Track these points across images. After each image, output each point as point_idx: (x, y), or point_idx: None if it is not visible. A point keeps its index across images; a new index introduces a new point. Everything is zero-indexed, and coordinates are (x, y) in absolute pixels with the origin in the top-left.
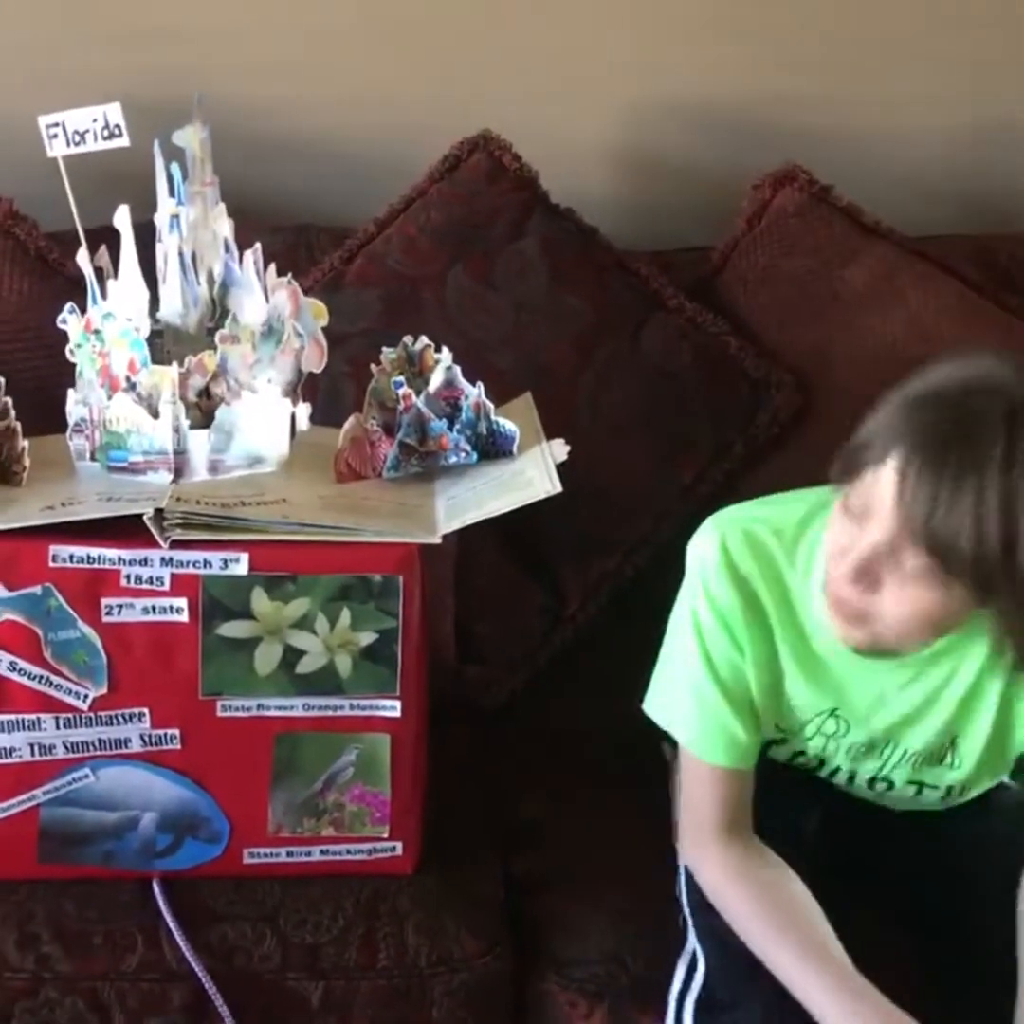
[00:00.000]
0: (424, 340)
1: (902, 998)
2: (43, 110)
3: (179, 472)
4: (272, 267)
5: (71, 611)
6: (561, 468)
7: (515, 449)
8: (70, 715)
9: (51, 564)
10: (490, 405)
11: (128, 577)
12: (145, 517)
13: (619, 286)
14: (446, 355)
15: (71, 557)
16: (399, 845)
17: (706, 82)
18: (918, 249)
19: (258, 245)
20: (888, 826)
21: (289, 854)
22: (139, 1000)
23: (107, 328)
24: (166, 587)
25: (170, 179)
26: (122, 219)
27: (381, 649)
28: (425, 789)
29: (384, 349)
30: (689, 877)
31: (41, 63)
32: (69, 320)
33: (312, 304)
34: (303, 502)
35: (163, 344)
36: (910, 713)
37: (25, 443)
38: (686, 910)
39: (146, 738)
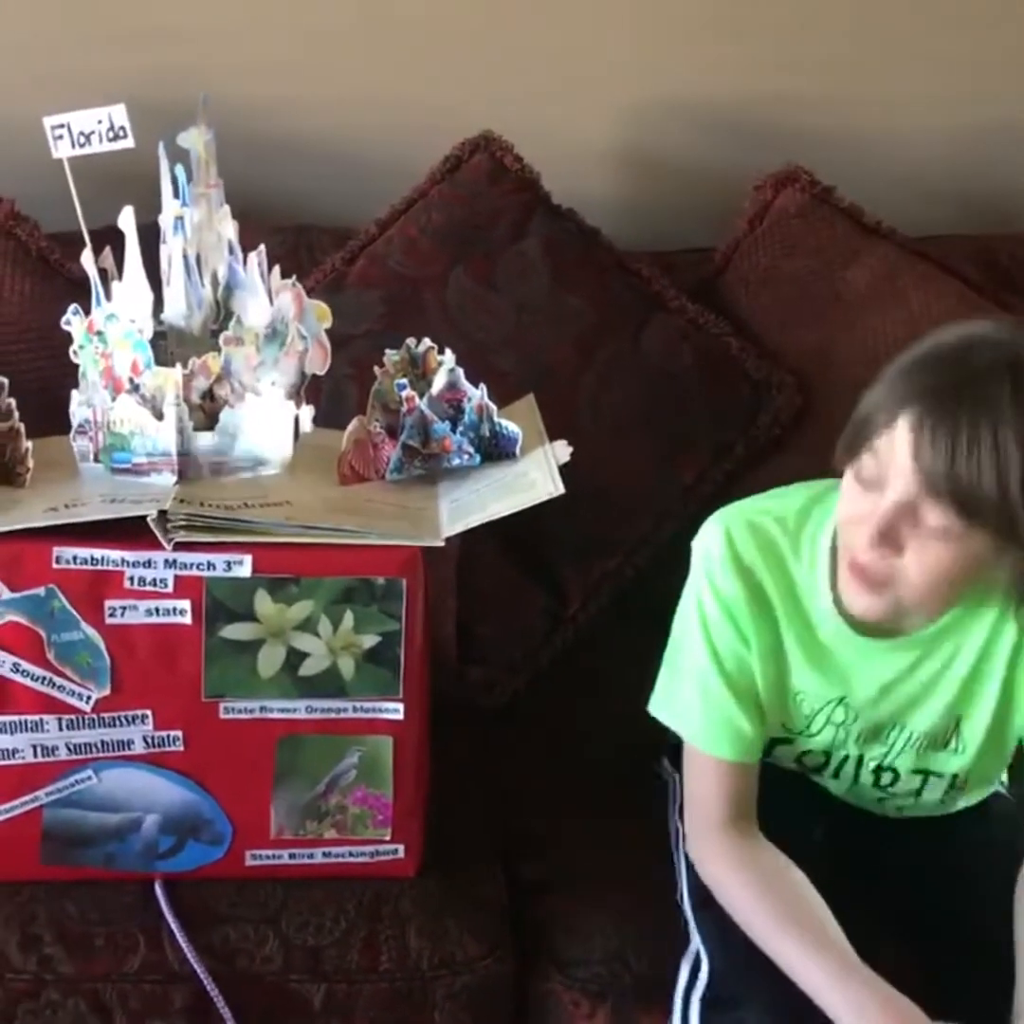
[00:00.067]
0: (427, 342)
1: None
2: (45, 111)
3: (183, 474)
4: (276, 269)
5: (74, 612)
6: (562, 469)
7: (518, 451)
8: (73, 717)
9: (54, 565)
10: (493, 407)
11: (131, 579)
12: (149, 519)
13: (620, 287)
14: (449, 357)
15: (74, 559)
16: (401, 848)
17: (707, 82)
18: (919, 249)
19: (262, 247)
20: (889, 833)
21: (291, 856)
22: (141, 1001)
23: (111, 329)
24: (169, 589)
25: (175, 181)
26: (127, 221)
27: (384, 652)
28: (427, 791)
29: (387, 351)
30: (690, 877)
31: (42, 64)
32: (73, 321)
33: (316, 306)
34: (306, 504)
35: (167, 346)
36: (916, 694)
37: (29, 444)
38: (688, 910)
39: (149, 740)
